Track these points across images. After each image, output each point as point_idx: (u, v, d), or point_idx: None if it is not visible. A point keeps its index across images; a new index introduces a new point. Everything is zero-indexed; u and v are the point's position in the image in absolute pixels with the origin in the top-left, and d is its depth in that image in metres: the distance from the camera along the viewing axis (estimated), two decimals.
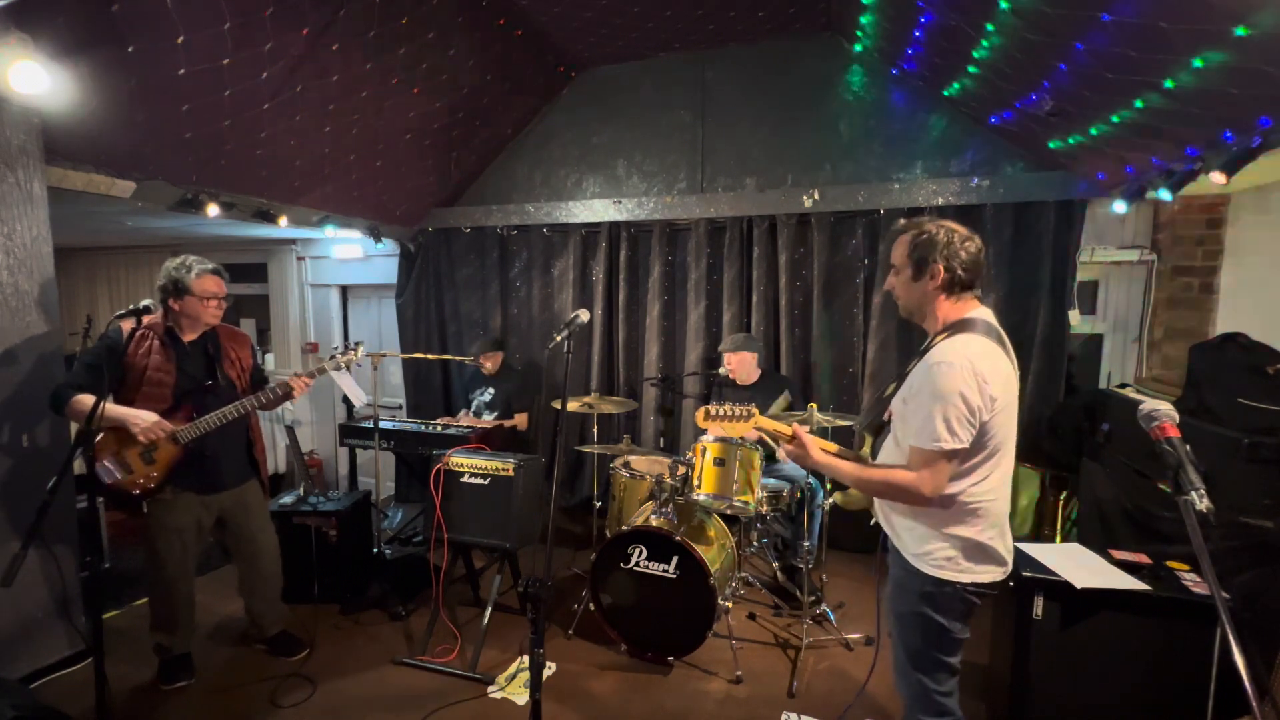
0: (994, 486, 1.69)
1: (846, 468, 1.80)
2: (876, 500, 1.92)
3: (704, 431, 3.97)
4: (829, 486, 3.34)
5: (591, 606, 3.06)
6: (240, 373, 2.80)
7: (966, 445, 1.61)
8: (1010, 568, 1.75)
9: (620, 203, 4.48)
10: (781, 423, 1.96)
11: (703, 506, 3.06)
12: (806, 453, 1.83)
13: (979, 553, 1.69)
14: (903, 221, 1.83)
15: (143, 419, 2.47)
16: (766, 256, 4.19)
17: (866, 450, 1.98)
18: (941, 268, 1.70)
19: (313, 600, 3.37)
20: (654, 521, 2.95)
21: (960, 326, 1.69)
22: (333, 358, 2.85)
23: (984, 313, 1.74)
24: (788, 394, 3.43)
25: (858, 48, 3.94)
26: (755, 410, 1.96)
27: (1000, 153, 3.75)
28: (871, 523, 1.99)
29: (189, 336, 2.68)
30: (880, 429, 1.91)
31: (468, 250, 4.98)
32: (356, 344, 2.93)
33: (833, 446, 1.95)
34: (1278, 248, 3.06)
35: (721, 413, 1.95)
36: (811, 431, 1.95)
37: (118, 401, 2.53)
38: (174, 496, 2.63)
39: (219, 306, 2.69)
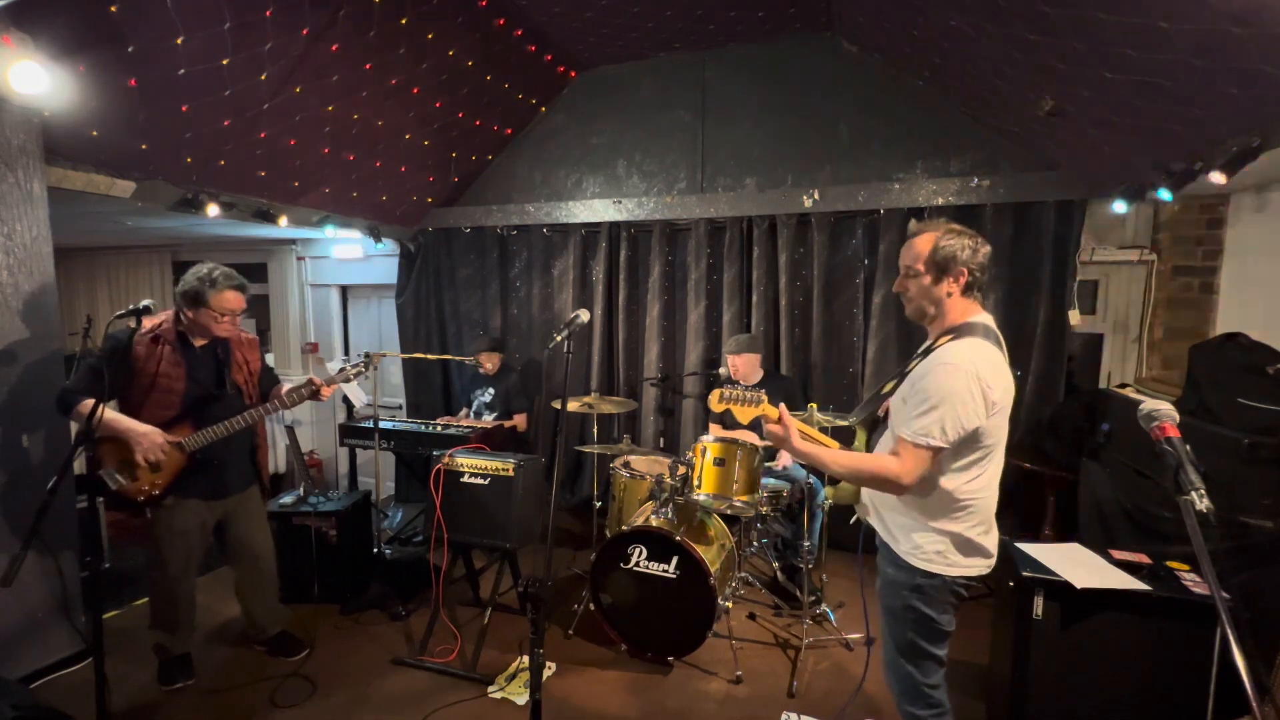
0: (985, 484, 1.74)
1: (826, 453, 1.82)
2: (867, 497, 1.95)
3: (704, 430, 3.98)
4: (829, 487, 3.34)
5: (591, 606, 3.06)
6: (248, 377, 2.79)
7: (949, 446, 1.65)
8: (994, 561, 1.79)
9: (620, 203, 4.48)
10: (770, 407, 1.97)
11: (703, 506, 3.06)
12: (788, 435, 1.83)
13: (967, 547, 1.74)
14: (915, 223, 1.85)
15: (145, 438, 2.46)
16: (766, 256, 4.19)
17: (860, 444, 2.00)
18: (965, 271, 1.74)
19: (313, 600, 3.38)
20: (654, 521, 2.95)
21: (965, 330, 1.73)
22: (342, 370, 2.91)
23: (985, 317, 1.78)
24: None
25: (857, 48, 3.94)
26: (764, 396, 1.99)
27: (1000, 153, 3.75)
28: (852, 520, 2.03)
29: (199, 342, 2.66)
30: (875, 425, 1.94)
31: (468, 250, 4.98)
32: (367, 357, 3.00)
33: (832, 442, 1.96)
34: (1278, 248, 3.06)
35: (734, 395, 1.99)
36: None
37: (127, 405, 2.52)
38: (178, 503, 2.63)
39: (234, 323, 2.66)
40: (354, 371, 2.93)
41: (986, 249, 1.78)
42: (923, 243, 1.78)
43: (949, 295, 1.76)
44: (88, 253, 6.54)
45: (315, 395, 2.72)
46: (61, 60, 2.33)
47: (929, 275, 1.77)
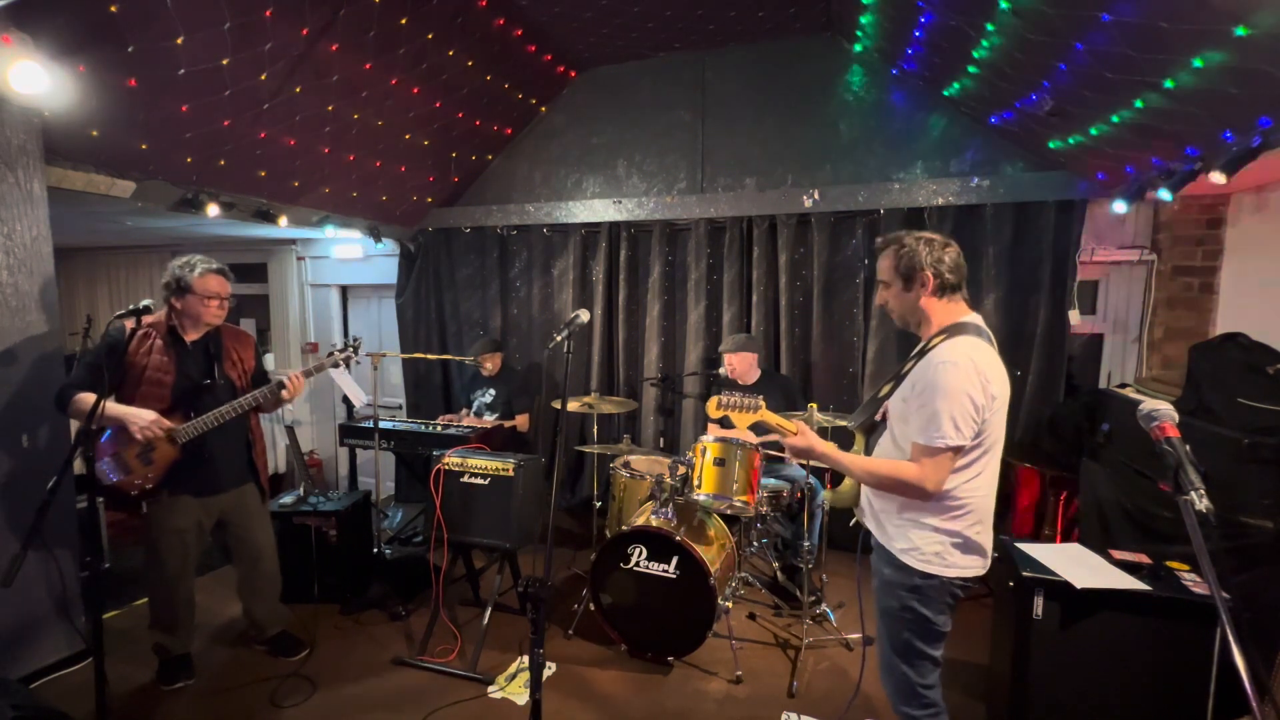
0: (983, 483, 1.75)
1: (851, 459, 1.84)
2: (864, 498, 1.96)
3: (704, 430, 3.98)
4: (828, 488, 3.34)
5: (591, 606, 3.06)
6: (242, 373, 2.79)
7: (969, 442, 1.66)
8: (990, 561, 1.79)
9: (620, 203, 4.48)
10: (786, 420, 1.98)
11: (703, 506, 3.06)
12: (811, 445, 1.86)
13: (965, 547, 1.74)
14: (880, 239, 1.91)
15: (141, 417, 2.47)
16: (766, 256, 4.19)
17: (859, 448, 2.01)
18: (930, 274, 1.78)
19: (313, 600, 3.37)
20: (654, 521, 2.95)
21: (956, 329, 1.75)
22: (330, 355, 2.85)
23: (975, 317, 1.81)
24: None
25: (858, 48, 3.94)
26: (762, 402, 2.00)
27: (1000, 153, 3.75)
28: (852, 523, 2.02)
29: (191, 336, 2.67)
30: (873, 428, 1.95)
31: (468, 250, 4.98)
32: (355, 340, 2.94)
33: (832, 446, 1.96)
34: (1278, 248, 3.06)
35: (731, 402, 1.99)
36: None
37: (119, 399, 2.53)
38: (171, 499, 2.63)
39: (221, 307, 2.67)
40: (343, 356, 2.87)
41: (952, 249, 1.80)
42: (888, 255, 1.85)
43: (923, 299, 1.80)
44: (88, 253, 6.54)
45: (282, 390, 2.65)
46: (61, 60, 2.33)
47: (898, 283, 1.83)
